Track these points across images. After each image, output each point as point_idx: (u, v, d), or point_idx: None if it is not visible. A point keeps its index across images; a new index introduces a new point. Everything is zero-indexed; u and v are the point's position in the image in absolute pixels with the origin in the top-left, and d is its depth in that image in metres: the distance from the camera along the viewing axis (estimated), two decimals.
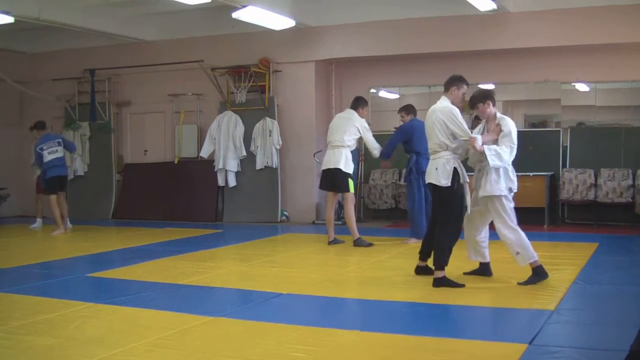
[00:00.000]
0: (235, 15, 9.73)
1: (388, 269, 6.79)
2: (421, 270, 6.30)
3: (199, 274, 6.64)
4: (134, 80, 12.81)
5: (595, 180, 10.27)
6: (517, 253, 5.83)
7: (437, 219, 6.09)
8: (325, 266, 7.27)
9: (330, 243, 8.61)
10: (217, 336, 4.42)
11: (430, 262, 6.15)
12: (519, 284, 5.83)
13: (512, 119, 6.24)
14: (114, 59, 12.56)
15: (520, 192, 10.14)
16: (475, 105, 6.10)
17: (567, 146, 10.63)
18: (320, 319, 4.97)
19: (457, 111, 5.99)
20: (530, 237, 8.49)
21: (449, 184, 5.91)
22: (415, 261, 6.50)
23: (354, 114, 8.60)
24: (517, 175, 6.03)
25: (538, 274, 5.83)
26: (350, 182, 8.47)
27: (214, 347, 4.13)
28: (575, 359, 3.81)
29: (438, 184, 5.95)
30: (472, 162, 6.14)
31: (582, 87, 10.80)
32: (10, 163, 13.01)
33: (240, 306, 5.38)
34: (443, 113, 5.97)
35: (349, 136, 8.42)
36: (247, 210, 11.79)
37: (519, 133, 6.13)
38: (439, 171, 5.95)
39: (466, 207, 6.12)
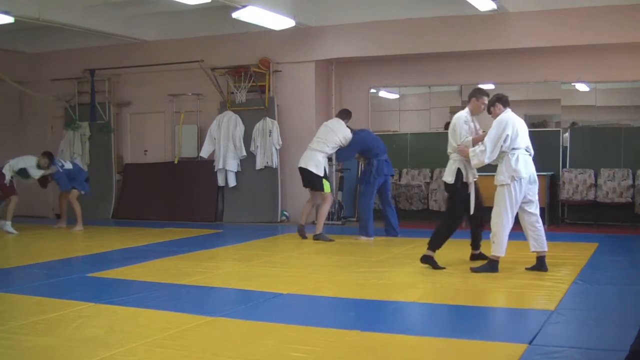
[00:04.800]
0: (235, 15, 9.73)
1: (388, 269, 6.79)
2: (475, 257, 6.97)
3: (199, 274, 6.64)
4: (134, 80, 12.81)
5: (595, 180, 10.26)
6: (494, 242, 6.38)
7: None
8: (325, 266, 7.27)
9: (297, 230, 9.31)
10: (217, 336, 4.42)
11: (483, 249, 6.90)
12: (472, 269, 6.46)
13: None
14: (114, 59, 12.56)
15: None
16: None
17: (567, 146, 10.63)
18: (320, 319, 4.96)
19: (461, 120, 6.75)
20: None
21: (452, 182, 6.70)
22: (414, 261, 6.76)
23: (340, 123, 9.25)
24: None
25: (492, 266, 6.38)
26: (325, 183, 9.07)
27: (214, 347, 4.13)
28: (575, 359, 3.81)
29: (445, 180, 6.83)
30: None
31: (582, 87, 10.80)
32: None
33: (240, 306, 5.38)
34: (455, 120, 6.82)
35: (327, 146, 9.11)
36: (247, 210, 11.78)
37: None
38: (446, 170, 6.82)
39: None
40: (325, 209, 9.13)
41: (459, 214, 6.81)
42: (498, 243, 6.33)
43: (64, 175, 10.70)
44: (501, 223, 6.31)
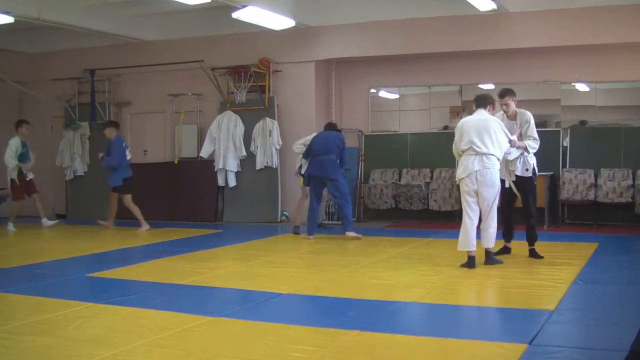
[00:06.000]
0: (235, 15, 9.73)
1: (388, 268, 6.79)
2: (530, 253, 7.23)
3: (199, 274, 6.64)
4: (134, 80, 12.81)
5: (595, 180, 10.25)
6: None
7: None
8: (325, 266, 7.26)
9: (293, 230, 9.92)
10: (217, 336, 4.42)
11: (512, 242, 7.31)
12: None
13: None
14: (114, 59, 12.55)
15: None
16: None
17: (567, 146, 10.63)
18: (320, 319, 4.97)
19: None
20: None
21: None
22: (414, 261, 6.89)
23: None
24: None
25: (469, 263, 6.66)
26: (300, 178, 10.07)
27: (214, 347, 4.13)
28: (575, 359, 3.81)
29: None
30: None
31: (582, 87, 10.80)
32: None
33: (240, 306, 5.38)
34: None
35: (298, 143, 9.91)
36: (247, 210, 11.78)
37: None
38: None
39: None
40: (300, 202, 10.09)
41: (501, 209, 6.99)
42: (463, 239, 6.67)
43: (122, 146, 10.55)
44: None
